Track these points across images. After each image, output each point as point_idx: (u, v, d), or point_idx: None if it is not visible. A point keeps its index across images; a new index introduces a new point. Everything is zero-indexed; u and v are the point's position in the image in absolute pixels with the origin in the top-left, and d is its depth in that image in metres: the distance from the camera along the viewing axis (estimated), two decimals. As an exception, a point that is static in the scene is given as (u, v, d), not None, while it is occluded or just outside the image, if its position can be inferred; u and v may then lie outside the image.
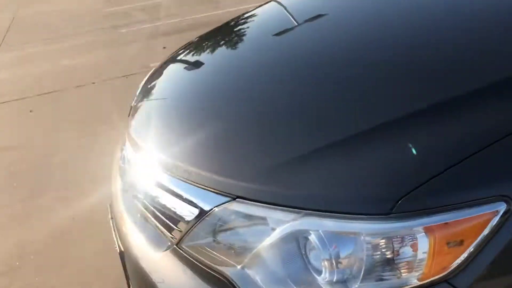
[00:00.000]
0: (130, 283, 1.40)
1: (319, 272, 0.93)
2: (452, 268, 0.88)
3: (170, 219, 1.18)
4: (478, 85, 1.07)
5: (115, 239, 1.44)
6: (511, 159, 0.92)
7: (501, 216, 0.87)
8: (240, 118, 1.29)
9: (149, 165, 1.29)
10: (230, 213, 1.04)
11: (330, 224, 0.91)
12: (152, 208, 1.25)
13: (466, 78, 1.12)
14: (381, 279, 0.90)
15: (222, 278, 1.03)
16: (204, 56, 1.79)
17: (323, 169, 0.99)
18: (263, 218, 0.99)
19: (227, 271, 1.03)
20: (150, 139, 1.38)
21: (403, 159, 0.96)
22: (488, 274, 0.89)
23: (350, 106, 1.17)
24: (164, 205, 1.21)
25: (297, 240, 0.96)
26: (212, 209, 1.05)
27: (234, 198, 1.03)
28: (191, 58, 1.80)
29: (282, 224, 0.95)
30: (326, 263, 0.91)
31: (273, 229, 0.96)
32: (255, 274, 0.99)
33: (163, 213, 1.21)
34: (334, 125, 1.12)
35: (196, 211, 1.09)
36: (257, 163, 1.10)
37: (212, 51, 1.84)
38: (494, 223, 0.87)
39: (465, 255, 0.87)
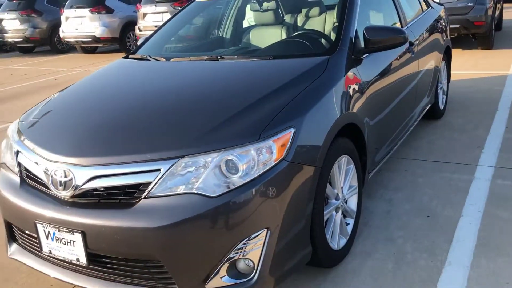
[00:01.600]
0: None
1: (235, 175, 1.93)
2: (283, 155, 2.00)
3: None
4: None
5: None
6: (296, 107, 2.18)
7: (293, 134, 2.05)
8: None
9: None
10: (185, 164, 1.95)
11: (238, 150, 1.94)
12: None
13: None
14: (260, 169, 1.95)
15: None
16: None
17: (224, 130, 2.06)
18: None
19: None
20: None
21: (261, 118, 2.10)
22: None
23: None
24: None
25: (219, 164, 1.93)
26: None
27: (183, 156, 1.94)
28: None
29: (211, 158, 1.94)
30: (241, 167, 1.92)
31: (207, 163, 1.93)
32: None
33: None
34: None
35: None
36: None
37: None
38: (291, 137, 2.05)
39: (286, 148, 2.02)
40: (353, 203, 2.61)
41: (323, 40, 3.02)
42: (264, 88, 2.33)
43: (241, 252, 1.93)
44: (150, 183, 1.94)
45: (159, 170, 1.94)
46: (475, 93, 5.58)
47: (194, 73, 2.79)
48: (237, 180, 1.91)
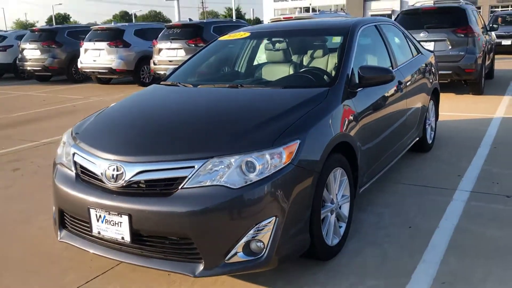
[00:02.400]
0: None
1: (252, 173, 2.47)
2: (291, 160, 2.54)
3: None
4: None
5: None
6: (301, 125, 2.76)
7: (298, 145, 2.62)
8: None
9: None
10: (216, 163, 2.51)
11: (255, 154, 2.51)
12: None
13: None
14: (272, 170, 2.50)
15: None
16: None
17: (245, 137, 2.63)
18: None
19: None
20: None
21: (274, 130, 2.68)
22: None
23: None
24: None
25: (241, 164, 2.47)
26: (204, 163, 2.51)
27: (212, 157, 2.49)
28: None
29: (234, 159, 2.49)
30: (258, 167, 2.47)
31: (231, 163, 2.48)
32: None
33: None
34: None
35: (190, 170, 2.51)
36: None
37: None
38: (297, 147, 2.62)
39: (293, 155, 2.59)
40: (345, 210, 3.13)
41: (324, 76, 3.62)
42: (277, 108, 2.91)
43: (254, 234, 2.44)
44: (186, 177, 2.48)
45: (193, 167, 2.49)
46: (462, 132, 6.17)
47: (219, 95, 3.40)
48: (254, 177, 2.45)
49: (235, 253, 2.46)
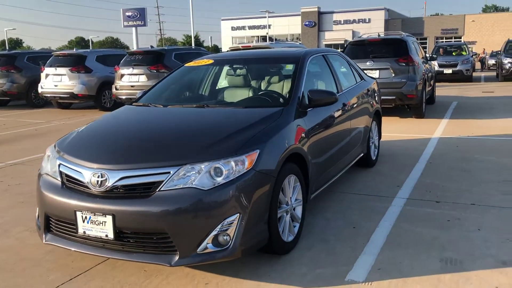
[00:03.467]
0: None
1: (220, 177, 2.96)
2: (252, 165, 3.05)
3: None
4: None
5: None
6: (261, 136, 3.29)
7: (258, 154, 3.13)
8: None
9: None
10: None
11: (222, 161, 3.01)
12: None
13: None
14: (236, 174, 3.00)
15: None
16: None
17: (213, 147, 3.13)
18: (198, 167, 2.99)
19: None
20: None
21: (237, 141, 3.17)
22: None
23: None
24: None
25: (209, 170, 2.95)
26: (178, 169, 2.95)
27: (185, 164, 2.95)
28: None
29: (204, 165, 2.98)
30: (224, 172, 2.97)
31: (201, 169, 2.96)
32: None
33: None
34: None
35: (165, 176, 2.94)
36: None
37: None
38: (257, 155, 3.12)
39: (254, 162, 3.08)
40: (299, 212, 3.63)
41: (279, 98, 4.16)
42: (239, 124, 3.42)
43: (222, 228, 2.90)
44: (162, 181, 2.92)
45: (169, 172, 2.93)
46: (403, 150, 6.87)
47: (187, 113, 3.90)
48: (221, 180, 2.93)
49: (206, 245, 2.90)
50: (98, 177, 3.04)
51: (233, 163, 2.99)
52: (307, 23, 56.19)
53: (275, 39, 44.94)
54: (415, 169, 5.76)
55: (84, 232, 3.06)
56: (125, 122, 3.91)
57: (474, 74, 22.46)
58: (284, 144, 3.40)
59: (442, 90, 15.66)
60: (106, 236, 2.98)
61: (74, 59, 13.11)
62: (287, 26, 58.34)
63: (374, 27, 53.61)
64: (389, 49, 9.54)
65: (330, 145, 4.28)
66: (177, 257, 2.89)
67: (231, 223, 2.93)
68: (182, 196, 2.88)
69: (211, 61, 4.74)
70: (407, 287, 2.95)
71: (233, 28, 62.70)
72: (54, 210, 3.21)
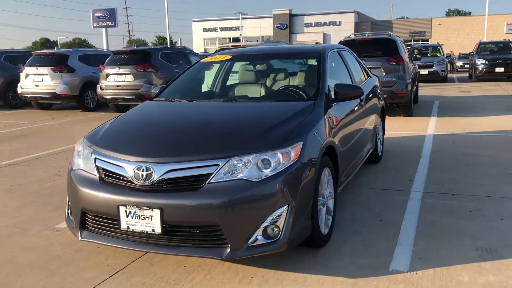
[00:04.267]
0: None
1: (267, 169, 2.95)
2: (297, 158, 3.07)
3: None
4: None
5: None
6: (303, 128, 3.31)
7: (302, 146, 3.12)
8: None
9: None
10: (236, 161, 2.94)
11: (269, 152, 2.99)
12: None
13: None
14: (283, 166, 2.99)
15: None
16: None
17: (259, 140, 3.11)
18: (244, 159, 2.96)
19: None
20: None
21: (281, 134, 3.18)
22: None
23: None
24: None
25: (257, 161, 2.94)
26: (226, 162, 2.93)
27: (233, 156, 2.91)
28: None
29: (252, 157, 2.96)
30: (272, 164, 2.96)
31: (249, 160, 2.94)
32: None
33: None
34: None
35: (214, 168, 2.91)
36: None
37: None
38: (301, 147, 3.11)
39: (299, 154, 3.08)
40: (331, 205, 3.66)
41: (307, 91, 4.17)
42: (277, 117, 3.41)
43: (271, 220, 2.89)
44: (211, 173, 2.89)
45: (218, 165, 2.90)
46: (403, 146, 7.00)
47: (221, 107, 3.88)
48: (269, 172, 2.92)
49: (256, 238, 2.88)
50: (143, 170, 2.98)
51: (280, 155, 2.98)
52: (278, 25, 56.54)
53: (266, 39, 45.15)
54: (421, 164, 5.88)
55: (128, 228, 2.99)
56: (159, 115, 3.86)
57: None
58: (322, 137, 3.41)
59: (421, 90, 16.03)
60: (153, 230, 2.92)
61: (56, 58, 12.78)
62: (259, 28, 58.52)
63: (344, 30, 54.43)
64: (379, 48, 9.70)
65: (351, 139, 4.32)
66: (228, 250, 2.86)
67: (280, 214, 2.92)
68: (232, 188, 2.85)
69: (228, 57, 4.72)
70: (452, 275, 3.01)
71: (204, 30, 62.44)
72: (92, 206, 3.12)
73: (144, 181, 2.97)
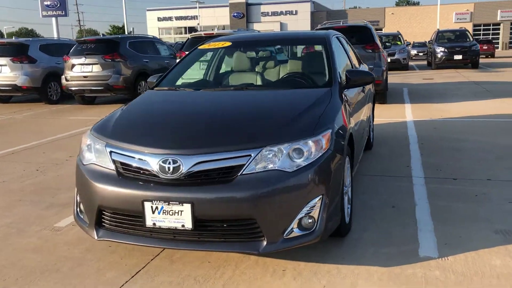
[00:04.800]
0: None
1: (300, 158, 2.82)
2: (328, 146, 2.96)
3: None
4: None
5: None
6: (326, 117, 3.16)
7: (330, 133, 3.02)
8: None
9: None
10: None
11: (301, 141, 2.87)
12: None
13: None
14: (316, 155, 2.88)
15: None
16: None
17: (289, 129, 2.99)
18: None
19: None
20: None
21: (309, 122, 3.06)
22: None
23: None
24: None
25: (289, 151, 2.81)
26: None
27: (265, 146, 2.76)
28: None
29: (284, 147, 2.83)
30: (305, 153, 2.84)
31: (282, 150, 2.81)
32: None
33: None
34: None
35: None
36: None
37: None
38: (330, 135, 3.01)
39: (329, 142, 2.99)
40: (350, 193, 3.60)
41: (321, 78, 4.06)
42: (299, 104, 3.30)
43: (307, 211, 2.79)
44: (243, 165, 2.75)
45: (250, 155, 2.77)
46: (387, 133, 7.06)
47: (236, 96, 3.71)
48: (301, 162, 2.81)
49: (292, 229, 2.78)
50: (169, 163, 2.80)
51: (311, 143, 2.88)
52: (235, 14, 56.12)
53: (222, 28, 44.53)
54: (412, 150, 5.93)
55: (154, 224, 2.81)
56: (172, 105, 3.66)
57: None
58: (346, 124, 3.34)
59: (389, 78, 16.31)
60: (183, 226, 2.76)
61: (16, 48, 12.10)
62: (215, 17, 57.89)
63: (301, 19, 54.83)
64: (355, 36, 9.73)
65: (359, 126, 4.28)
66: (264, 243, 2.74)
67: (314, 205, 2.82)
68: (267, 179, 2.73)
69: (228, 44, 4.54)
70: (484, 260, 3.02)
71: (159, 19, 61.13)
72: (111, 202, 2.91)
73: (171, 174, 2.79)
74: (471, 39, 20.55)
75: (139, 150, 2.92)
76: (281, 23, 55.23)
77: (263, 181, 2.72)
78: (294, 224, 2.78)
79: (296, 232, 2.80)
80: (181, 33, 58.67)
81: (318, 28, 10.31)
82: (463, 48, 19.29)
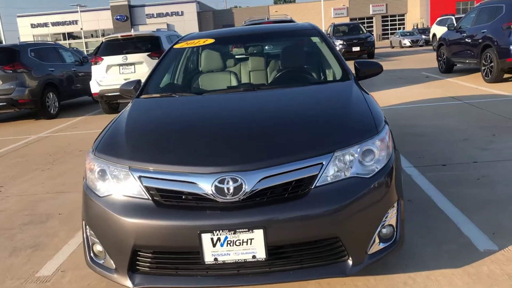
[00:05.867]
0: None
1: (371, 161, 2.48)
2: (392, 144, 2.68)
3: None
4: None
5: None
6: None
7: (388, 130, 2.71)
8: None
9: None
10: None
11: (370, 141, 2.51)
12: None
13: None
14: (387, 155, 2.56)
15: None
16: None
17: (349, 129, 2.62)
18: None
19: None
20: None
21: (365, 119, 2.73)
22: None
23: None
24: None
25: (360, 154, 2.46)
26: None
27: (334, 151, 2.40)
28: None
29: (354, 150, 2.47)
30: (376, 154, 2.49)
31: (353, 153, 2.46)
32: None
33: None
34: None
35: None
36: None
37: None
38: (388, 130, 2.71)
39: (391, 139, 2.70)
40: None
41: (332, 72, 3.74)
42: (339, 101, 2.96)
43: (386, 219, 2.47)
44: (316, 175, 2.34)
45: (321, 163, 2.36)
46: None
47: (261, 97, 3.22)
48: (373, 164, 2.47)
49: (374, 242, 2.43)
50: (228, 183, 2.29)
51: (378, 143, 2.55)
52: (118, 17, 53.79)
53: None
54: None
55: (216, 260, 2.28)
56: (191, 113, 3.08)
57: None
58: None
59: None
60: (254, 257, 2.28)
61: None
62: (97, 21, 54.95)
63: (188, 20, 54.18)
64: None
65: None
66: (350, 264, 2.36)
67: (393, 211, 2.51)
68: (347, 189, 2.35)
69: (211, 41, 4.03)
70: (543, 244, 2.95)
71: (33, 26, 56.51)
72: (152, 240, 2.32)
73: (232, 196, 2.29)
74: (365, 31, 21.72)
75: (181, 171, 2.37)
76: (168, 25, 54.02)
77: (343, 192, 2.34)
78: (376, 236, 2.44)
79: (380, 245, 2.46)
80: (60, 40, 54.74)
81: (244, 24, 10.02)
82: (360, 40, 20.30)
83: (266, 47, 4.29)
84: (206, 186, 2.30)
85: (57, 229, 3.87)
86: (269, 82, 3.77)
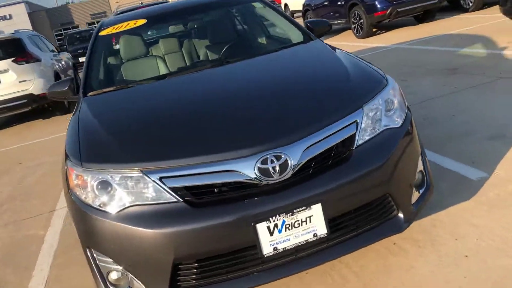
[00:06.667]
0: None
1: (392, 110, 2.36)
2: (398, 92, 2.49)
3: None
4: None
5: None
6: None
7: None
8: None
9: None
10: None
11: (386, 90, 2.40)
12: None
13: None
14: (404, 105, 2.46)
15: None
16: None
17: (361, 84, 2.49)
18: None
19: None
20: None
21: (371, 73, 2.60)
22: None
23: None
24: None
25: (383, 104, 2.34)
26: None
27: (362, 106, 2.26)
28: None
29: (378, 101, 2.34)
30: (395, 103, 2.39)
31: (379, 104, 2.34)
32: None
33: None
34: None
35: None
36: None
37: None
38: None
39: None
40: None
41: (289, 34, 3.51)
42: (327, 58, 2.85)
43: (419, 165, 2.40)
44: (354, 134, 2.18)
45: (356, 121, 2.20)
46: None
47: (244, 70, 2.93)
48: (398, 112, 2.37)
49: (413, 191, 2.36)
50: (272, 162, 2.01)
51: (392, 92, 2.46)
52: None
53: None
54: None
55: (275, 249, 2.01)
56: (180, 97, 2.71)
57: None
58: None
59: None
60: (314, 235, 2.05)
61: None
62: None
63: (18, 23, 49.01)
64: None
65: None
66: (402, 218, 2.26)
67: (423, 157, 2.47)
68: (385, 142, 2.23)
69: (142, 21, 3.54)
70: (522, 161, 3.15)
71: None
72: (198, 246, 1.97)
73: (280, 175, 2.02)
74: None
75: (213, 160, 2.02)
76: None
77: (384, 146, 2.21)
78: (414, 185, 2.37)
79: (420, 192, 2.40)
80: None
81: (115, 14, 9.26)
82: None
83: (209, 19, 3.92)
84: (247, 170, 2.00)
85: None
86: (241, 53, 3.38)
